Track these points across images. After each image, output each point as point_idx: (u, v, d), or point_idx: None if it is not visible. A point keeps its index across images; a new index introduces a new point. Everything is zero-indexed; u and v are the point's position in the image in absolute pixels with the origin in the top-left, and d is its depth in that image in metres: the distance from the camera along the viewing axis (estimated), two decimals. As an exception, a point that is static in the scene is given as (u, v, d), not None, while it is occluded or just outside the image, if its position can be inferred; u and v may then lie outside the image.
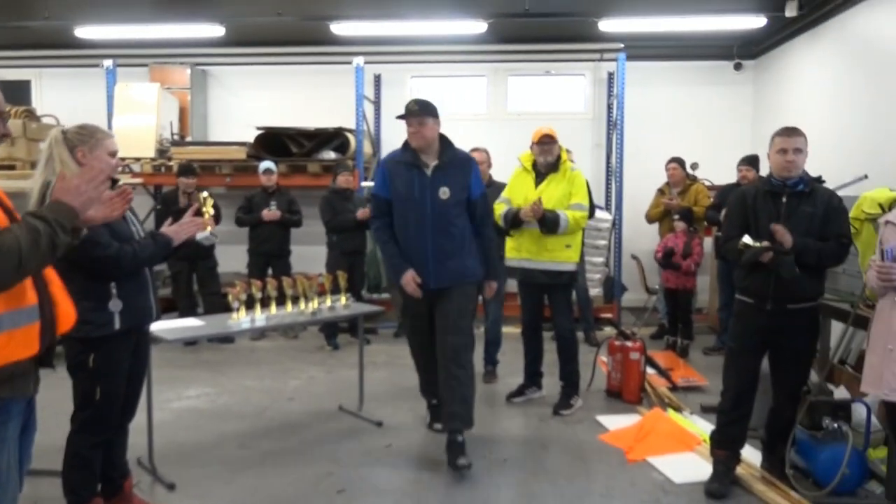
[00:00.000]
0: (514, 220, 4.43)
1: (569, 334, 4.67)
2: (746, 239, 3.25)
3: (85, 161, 2.80)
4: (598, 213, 6.49)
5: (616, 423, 4.40)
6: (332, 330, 6.54)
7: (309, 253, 7.02)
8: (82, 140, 2.81)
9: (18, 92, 8.65)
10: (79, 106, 8.01)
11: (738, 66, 8.32)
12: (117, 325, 2.83)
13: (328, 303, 4.42)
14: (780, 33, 7.33)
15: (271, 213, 6.57)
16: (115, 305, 2.83)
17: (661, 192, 6.86)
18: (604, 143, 8.42)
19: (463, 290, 3.78)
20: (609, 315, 7.25)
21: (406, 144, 3.76)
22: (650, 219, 6.90)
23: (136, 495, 3.24)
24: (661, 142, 7.80)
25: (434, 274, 3.71)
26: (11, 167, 7.24)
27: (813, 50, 6.83)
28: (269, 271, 6.43)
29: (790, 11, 6.60)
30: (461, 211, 3.75)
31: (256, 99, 8.55)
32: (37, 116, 7.80)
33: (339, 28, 7.32)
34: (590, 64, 8.44)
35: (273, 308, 4.20)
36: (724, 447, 3.48)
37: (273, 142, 7.56)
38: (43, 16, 7.12)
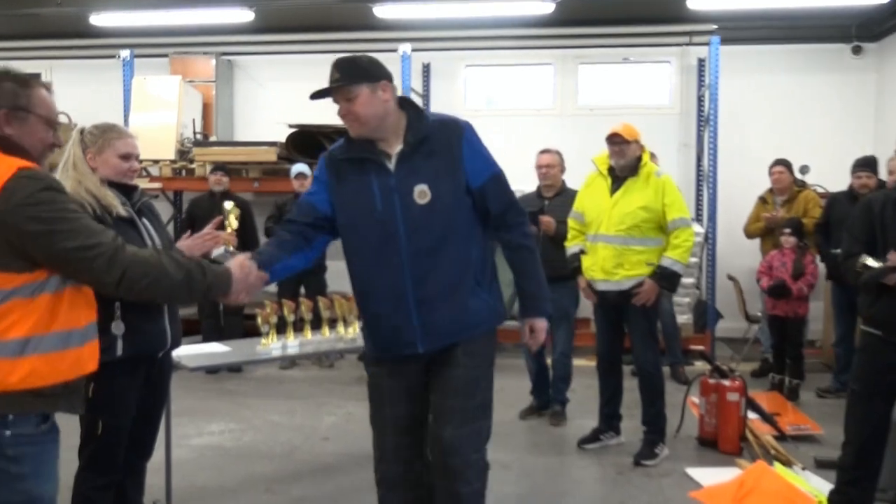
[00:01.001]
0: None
1: (652, 369, 4.58)
2: (867, 259, 3.14)
3: (94, 164, 2.90)
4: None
5: (710, 477, 4.27)
6: (372, 359, 6.56)
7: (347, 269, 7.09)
8: (92, 140, 2.90)
9: (28, 86, 9.04)
10: (93, 101, 8.30)
11: (856, 50, 8.09)
12: (119, 352, 2.81)
13: (370, 327, 4.43)
14: (909, 10, 7.12)
15: None
16: (118, 328, 2.81)
17: (762, 200, 6.71)
18: (693, 143, 8.29)
19: (469, 357, 2.72)
20: (700, 347, 7.06)
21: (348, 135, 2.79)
22: (750, 234, 6.73)
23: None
24: (762, 141, 7.64)
25: (422, 331, 2.68)
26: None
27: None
28: (302, 290, 6.52)
29: (923, -16, 6.42)
30: (456, 215, 2.70)
31: (289, 93, 8.68)
32: (47, 114, 8.13)
33: (382, 10, 7.44)
34: (676, 49, 8.34)
35: (307, 332, 4.24)
36: (847, 511, 3.35)
37: (307, 141, 7.68)
38: (56, 2, 7.44)
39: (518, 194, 3.26)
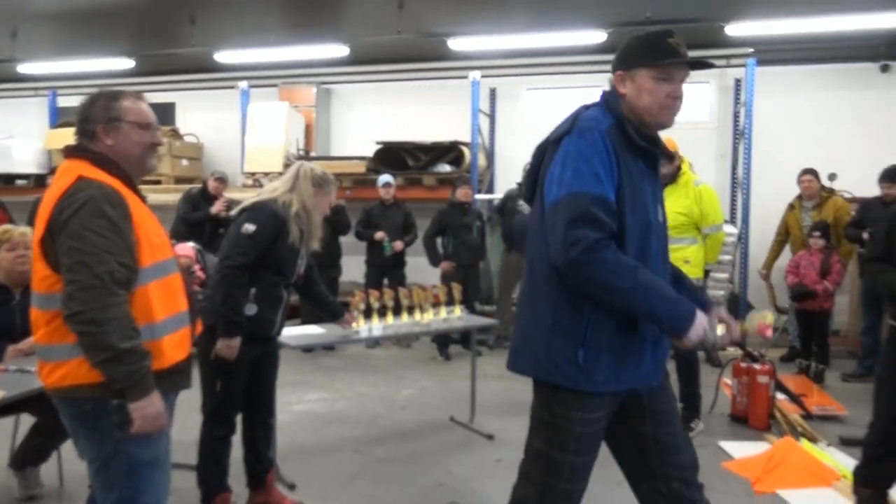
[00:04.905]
0: None
1: (688, 353, 4.44)
2: None
3: (316, 200, 3.15)
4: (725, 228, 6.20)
5: (742, 450, 4.13)
6: (444, 340, 6.61)
7: (424, 264, 7.16)
8: (321, 185, 3.18)
9: (165, 113, 9.44)
10: (216, 126, 8.63)
11: (884, 69, 7.61)
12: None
13: (442, 314, 4.46)
14: (935, 31, 6.68)
15: (398, 245, 6.71)
16: (250, 309, 3.00)
17: (791, 207, 6.45)
18: (729, 154, 8.00)
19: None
20: (733, 335, 6.85)
21: (619, 113, 2.03)
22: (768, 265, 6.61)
23: (275, 488, 3.43)
24: (793, 152, 7.30)
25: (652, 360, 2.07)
26: (157, 182, 7.91)
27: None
28: (385, 282, 6.60)
29: (949, 6, 6.01)
30: None
31: (376, 115, 8.84)
32: (180, 135, 8.49)
33: (456, 43, 7.45)
34: (715, 71, 8.05)
35: (389, 318, 4.30)
36: (871, 484, 3.17)
37: (391, 156, 7.78)
38: (190, 43, 7.74)
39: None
